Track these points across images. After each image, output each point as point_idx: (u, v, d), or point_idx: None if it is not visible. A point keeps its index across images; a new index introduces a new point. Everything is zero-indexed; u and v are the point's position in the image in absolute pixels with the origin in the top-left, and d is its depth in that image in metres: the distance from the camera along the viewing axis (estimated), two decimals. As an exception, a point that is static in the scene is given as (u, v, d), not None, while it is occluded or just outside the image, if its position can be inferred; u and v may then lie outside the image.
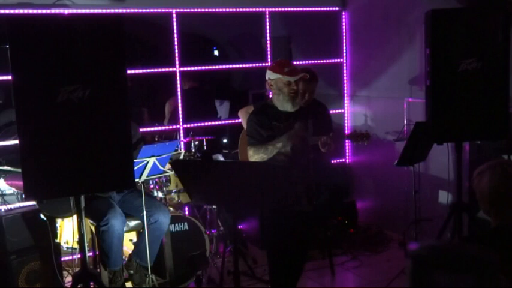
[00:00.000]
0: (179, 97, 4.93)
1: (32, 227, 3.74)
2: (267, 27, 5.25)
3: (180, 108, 4.94)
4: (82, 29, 2.57)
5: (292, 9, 5.37)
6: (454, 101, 3.29)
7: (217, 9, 5.01)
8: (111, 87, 2.63)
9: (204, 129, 5.08)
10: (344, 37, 5.58)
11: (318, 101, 4.50)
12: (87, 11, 4.36)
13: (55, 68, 2.52)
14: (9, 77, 2.51)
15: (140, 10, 4.70)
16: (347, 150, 5.67)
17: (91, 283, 2.85)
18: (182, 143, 4.76)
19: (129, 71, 2.73)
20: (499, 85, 3.32)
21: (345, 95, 5.65)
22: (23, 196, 3.17)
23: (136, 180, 3.48)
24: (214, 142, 4.89)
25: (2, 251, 3.65)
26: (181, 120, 4.95)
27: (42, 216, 3.68)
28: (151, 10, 4.77)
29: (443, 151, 3.92)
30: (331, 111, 4.86)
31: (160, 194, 4.21)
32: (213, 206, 4.54)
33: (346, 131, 5.57)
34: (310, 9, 5.40)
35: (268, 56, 5.29)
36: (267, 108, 3.89)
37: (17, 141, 2.57)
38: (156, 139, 4.61)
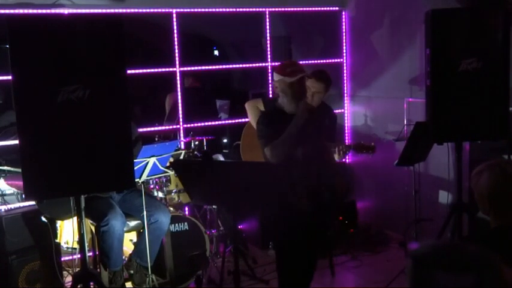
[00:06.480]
0: (179, 97, 4.93)
1: (32, 227, 3.74)
2: (267, 27, 5.25)
3: (180, 108, 4.95)
4: (82, 29, 2.57)
5: (292, 9, 5.37)
6: (454, 101, 3.29)
7: (217, 9, 5.01)
8: (111, 87, 2.63)
9: (204, 129, 5.08)
10: (344, 37, 5.58)
11: (326, 105, 4.49)
12: (87, 11, 4.36)
13: (55, 68, 2.52)
14: (9, 77, 2.51)
15: (140, 10, 4.69)
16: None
17: (91, 283, 2.86)
18: (182, 143, 4.76)
19: (129, 71, 2.73)
20: (499, 85, 3.31)
21: (345, 95, 5.65)
22: (23, 196, 3.18)
23: (136, 180, 3.48)
24: (214, 142, 4.89)
25: (2, 251, 3.65)
26: (181, 120, 4.95)
27: (43, 218, 3.68)
28: (151, 10, 4.77)
29: (443, 151, 3.92)
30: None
31: (160, 194, 4.20)
32: (213, 206, 4.54)
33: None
34: (310, 9, 5.40)
35: (268, 56, 5.29)
36: (275, 110, 3.66)
37: (17, 141, 2.57)
38: (156, 139, 4.61)
